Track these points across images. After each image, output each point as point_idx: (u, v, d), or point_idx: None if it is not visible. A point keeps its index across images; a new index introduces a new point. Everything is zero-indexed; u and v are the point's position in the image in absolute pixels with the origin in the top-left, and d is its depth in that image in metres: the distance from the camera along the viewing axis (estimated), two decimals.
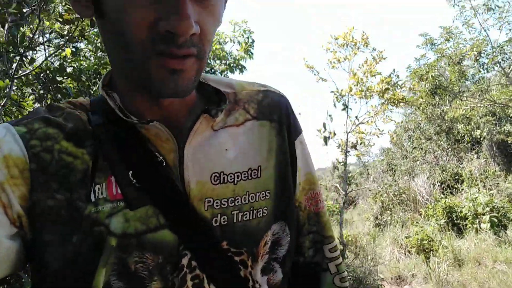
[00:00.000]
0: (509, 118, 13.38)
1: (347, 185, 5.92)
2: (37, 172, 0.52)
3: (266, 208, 0.61)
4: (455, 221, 8.74)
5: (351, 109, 6.15)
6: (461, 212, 8.53)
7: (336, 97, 5.98)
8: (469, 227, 8.17)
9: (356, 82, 5.46)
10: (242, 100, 0.66)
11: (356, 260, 7.22)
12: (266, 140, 0.65)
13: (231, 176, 0.59)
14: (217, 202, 0.57)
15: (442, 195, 10.77)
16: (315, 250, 0.72)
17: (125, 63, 0.52)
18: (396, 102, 5.41)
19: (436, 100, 8.51)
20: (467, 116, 13.44)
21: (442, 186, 12.06)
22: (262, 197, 0.61)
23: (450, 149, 15.18)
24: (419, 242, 7.85)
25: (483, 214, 7.93)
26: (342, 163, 5.97)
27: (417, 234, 8.03)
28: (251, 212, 0.60)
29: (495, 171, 12.33)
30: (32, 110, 0.49)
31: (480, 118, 14.08)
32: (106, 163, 0.55)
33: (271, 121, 0.66)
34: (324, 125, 6.15)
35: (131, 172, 0.54)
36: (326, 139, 6.20)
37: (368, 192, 14.98)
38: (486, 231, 7.70)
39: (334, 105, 6.26)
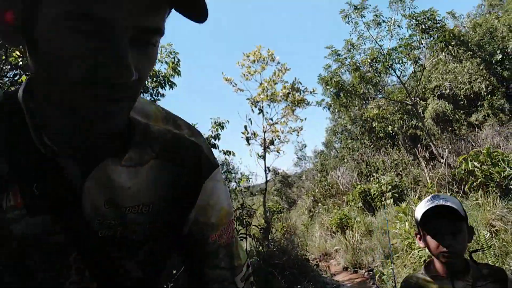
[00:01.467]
0: (415, 115, 15.60)
1: (267, 174, 7.16)
2: None
3: (145, 234, 0.67)
4: (370, 202, 10.30)
5: (267, 112, 7.43)
6: (371, 193, 10.11)
7: (252, 103, 7.24)
8: (378, 204, 9.72)
9: (262, 90, 6.76)
10: (151, 136, 0.67)
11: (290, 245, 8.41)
12: (165, 179, 0.68)
13: (122, 209, 0.64)
14: (106, 221, 0.64)
15: (361, 183, 12.40)
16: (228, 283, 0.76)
17: (58, 100, 0.53)
18: (297, 102, 6.77)
19: (343, 100, 10.07)
20: (380, 114, 15.46)
21: (365, 176, 13.77)
22: (147, 227, 0.67)
23: (372, 145, 17.12)
24: (338, 221, 9.25)
25: (388, 192, 9.52)
26: (261, 157, 7.19)
27: (337, 214, 9.44)
28: (132, 234, 0.66)
29: (409, 160, 14.28)
30: None
31: (392, 115, 16.18)
32: (15, 172, 0.58)
33: (173, 163, 0.69)
34: (245, 127, 7.37)
35: (35, 184, 0.58)
36: (248, 139, 7.42)
37: (304, 191, 16.45)
38: (390, 205, 9.26)
39: (252, 110, 7.50)
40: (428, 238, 1.48)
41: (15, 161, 0.58)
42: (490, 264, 1.67)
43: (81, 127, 0.54)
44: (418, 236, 1.58)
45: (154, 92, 8.01)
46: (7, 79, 3.93)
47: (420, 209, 1.52)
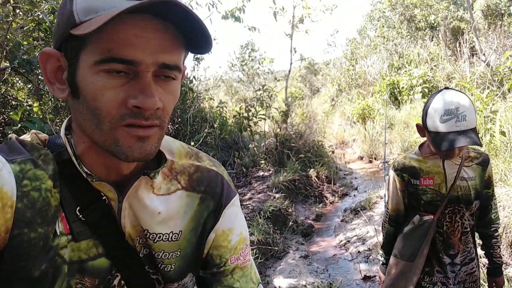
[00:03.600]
0: (463, 4, 14.00)
1: (292, 55, 6.72)
2: (24, 209, 0.59)
3: (174, 264, 0.74)
4: (396, 96, 9.89)
5: None
6: (400, 86, 9.63)
7: None
8: (405, 98, 9.33)
9: None
10: (176, 170, 0.76)
11: (308, 131, 8.36)
12: (191, 208, 0.75)
13: (153, 235, 0.70)
14: (142, 239, 0.71)
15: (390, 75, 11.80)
16: None
17: (96, 132, 0.60)
18: None
19: None
20: (425, 1, 13.98)
21: (396, 69, 13.04)
22: (174, 256, 0.73)
23: (409, 36, 15.88)
24: (360, 111, 9.03)
25: (418, 85, 9.04)
26: (288, 35, 6.66)
27: (360, 104, 9.17)
28: (163, 264, 0.73)
29: (446, 55, 13.28)
30: (8, 142, 0.67)
31: (438, 3, 14.62)
32: (62, 200, 0.63)
33: (197, 192, 0.76)
34: (273, 1, 6.71)
35: (78, 208, 0.64)
36: (275, 14, 6.82)
37: (329, 79, 15.96)
38: (418, 101, 8.87)
39: None
40: (436, 143, 1.53)
41: (63, 190, 0.64)
42: (477, 148, 1.81)
43: (119, 154, 0.60)
44: (422, 133, 1.63)
45: None
46: None
47: (437, 121, 1.50)
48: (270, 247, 4.06)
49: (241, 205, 4.92)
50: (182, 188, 0.75)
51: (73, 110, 0.64)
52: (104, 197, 0.66)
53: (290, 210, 5.06)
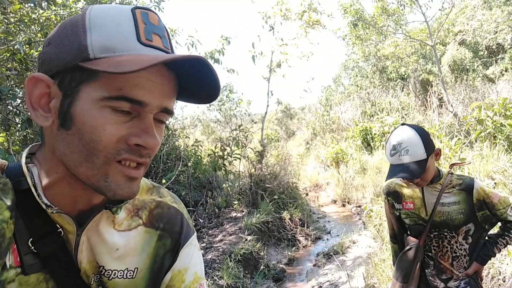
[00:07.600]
0: (432, 59, 14.84)
1: (269, 98, 6.85)
2: None
3: None
4: (369, 141, 10.13)
5: (278, 31, 6.90)
6: (372, 133, 9.89)
7: (263, 18, 6.70)
8: (377, 144, 9.56)
9: (277, 3, 6.18)
10: (138, 205, 0.75)
11: (282, 172, 8.35)
12: (148, 245, 0.73)
13: (108, 272, 0.68)
14: (97, 276, 0.68)
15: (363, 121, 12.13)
16: None
17: (85, 165, 0.58)
18: (312, 23, 6.23)
19: (360, 32, 9.42)
20: (396, 54, 14.74)
21: (368, 116, 13.46)
22: None
23: (381, 86, 16.57)
24: (334, 155, 9.16)
25: (389, 133, 9.30)
26: (266, 79, 6.81)
27: (334, 149, 9.32)
28: None
29: (416, 105, 13.85)
30: None
31: (408, 57, 15.42)
32: (15, 231, 0.60)
33: (156, 228, 0.75)
34: (253, 45, 6.90)
35: (31, 239, 0.60)
36: (253, 58, 6.99)
37: (304, 123, 16.28)
38: None
39: (262, 26, 6.97)
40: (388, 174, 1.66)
41: (17, 220, 0.60)
42: (465, 175, 1.90)
43: (106, 191, 0.59)
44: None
45: None
46: None
47: (388, 155, 1.66)
48: None
49: (211, 247, 4.80)
50: (142, 224, 0.74)
51: (57, 141, 0.60)
52: (60, 230, 0.63)
53: (262, 254, 4.93)
